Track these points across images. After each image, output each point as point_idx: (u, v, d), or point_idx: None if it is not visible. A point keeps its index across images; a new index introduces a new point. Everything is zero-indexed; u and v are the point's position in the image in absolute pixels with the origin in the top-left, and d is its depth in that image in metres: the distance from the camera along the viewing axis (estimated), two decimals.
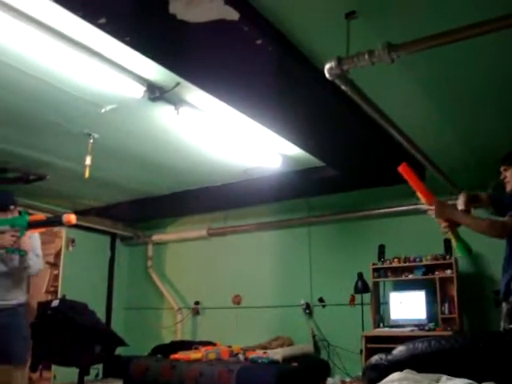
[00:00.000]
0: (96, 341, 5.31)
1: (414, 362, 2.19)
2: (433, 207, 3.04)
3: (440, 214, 3.01)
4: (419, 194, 3.13)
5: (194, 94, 4.00)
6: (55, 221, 3.66)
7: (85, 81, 3.81)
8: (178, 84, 3.83)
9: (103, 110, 4.30)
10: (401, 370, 2.07)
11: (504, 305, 3.02)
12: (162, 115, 4.44)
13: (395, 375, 1.86)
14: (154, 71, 3.67)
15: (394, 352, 2.35)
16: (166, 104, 4.15)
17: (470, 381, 1.75)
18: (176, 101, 4.15)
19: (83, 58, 3.41)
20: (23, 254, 3.60)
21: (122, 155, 5.47)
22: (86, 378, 5.27)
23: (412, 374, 1.88)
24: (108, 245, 8.27)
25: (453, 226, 3.04)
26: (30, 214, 3.55)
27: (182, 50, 3.10)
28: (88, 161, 4.90)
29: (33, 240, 3.75)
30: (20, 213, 3.60)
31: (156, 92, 3.94)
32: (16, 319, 3.70)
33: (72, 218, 3.35)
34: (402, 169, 3.02)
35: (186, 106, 4.23)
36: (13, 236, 3.47)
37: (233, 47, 3.08)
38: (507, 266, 3.15)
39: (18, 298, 3.74)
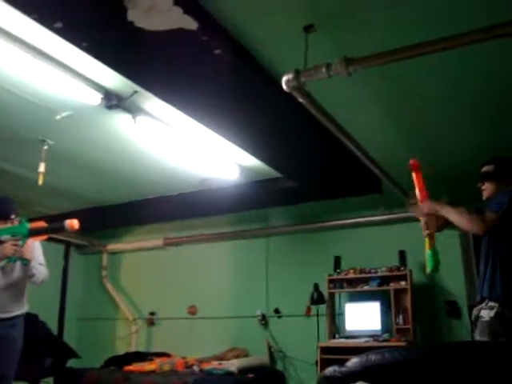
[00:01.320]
0: (47, 353, 5.18)
1: (367, 374, 2.19)
2: (424, 204, 3.18)
3: (429, 207, 3.17)
4: (416, 190, 3.23)
5: (151, 102, 3.96)
6: (57, 227, 3.53)
7: (40, 86, 3.73)
8: (135, 92, 3.79)
9: (58, 117, 4.21)
10: (354, 382, 2.07)
11: (484, 312, 3.05)
12: (119, 123, 4.39)
13: None
14: (112, 79, 3.63)
15: (348, 364, 2.35)
16: (123, 112, 4.11)
17: None
18: (133, 109, 4.11)
19: (38, 63, 3.33)
20: (26, 262, 3.53)
21: (77, 163, 5.37)
22: None
23: None
24: (62, 253, 8.06)
25: (433, 229, 3.21)
26: (30, 222, 3.44)
27: (140, 58, 3.07)
28: (42, 168, 4.77)
29: (34, 248, 3.65)
30: (20, 221, 3.50)
31: (113, 100, 3.89)
32: (12, 331, 3.65)
33: (75, 223, 3.24)
34: (413, 162, 3.14)
35: (143, 115, 4.19)
36: (14, 245, 3.39)
37: (191, 56, 3.06)
38: (490, 266, 3.14)
39: (17, 309, 3.69)
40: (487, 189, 3.35)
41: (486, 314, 3.00)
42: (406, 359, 2.28)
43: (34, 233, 3.38)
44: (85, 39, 2.88)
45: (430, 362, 2.19)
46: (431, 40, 2.67)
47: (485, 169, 3.41)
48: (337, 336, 5.96)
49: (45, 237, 3.61)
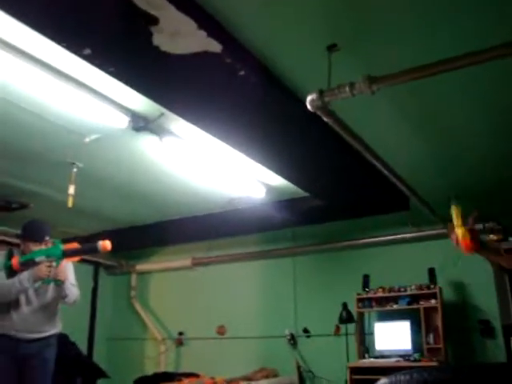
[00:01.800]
0: (77, 373, 5.21)
1: None
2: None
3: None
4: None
5: (177, 124, 4.02)
6: (91, 248, 3.62)
7: (69, 110, 3.82)
8: (161, 114, 3.85)
9: (87, 140, 4.30)
10: None
11: None
12: (146, 145, 4.46)
13: None
14: (138, 102, 3.70)
15: None
16: (150, 134, 4.17)
17: None
18: (160, 131, 4.17)
19: (67, 88, 3.42)
20: (59, 283, 3.56)
21: (105, 185, 5.47)
22: None
23: None
24: (91, 274, 8.16)
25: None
26: (64, 243, 3.50)
27: (166, 81, 3.11)
28: (71, 190, 4.87)
29: (67, 269, 3.68)
30: (54, 243, 3.56)
31: (140, 122, 3.95)
32: (45, 351, 3.71)
33: (107, 244, 3.30)
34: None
35: (169, 136, 4.24)
36: (48, 266, 3.44)
37: (216, 78, 3.11)
38: None
39: (51, 329, 3.75)
40: None
41: None
42: (436, 380, 2.25)
43: (68, 254, 3.45)
44: (112, 64, 2.94)
45: (459, 383, 2.15)
46: (455, 56, 2.66)
47: None
48: (366, 356, 5.88)
49: (78, 258, 3.67)
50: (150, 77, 3.12)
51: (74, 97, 3.55)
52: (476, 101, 3.74)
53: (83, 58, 2.83)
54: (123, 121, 3.88)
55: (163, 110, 3.68)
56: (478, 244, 2.78)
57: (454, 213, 2.79)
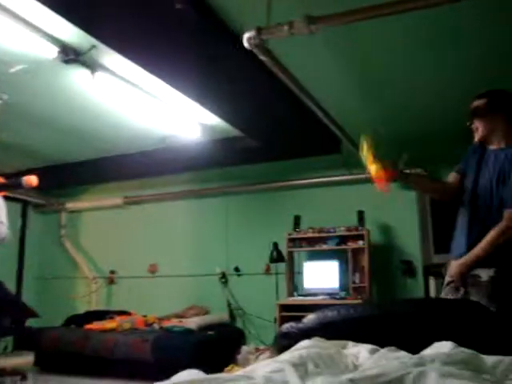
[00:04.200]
0: (5, 312, 5.12)
1: (323, 330, 2.24)
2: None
3: (462, 269, 2.72)
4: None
5: (111, 58, 3.86)
6: (15, 184, 3.43)
7: None
8: (93, 47, 3.68)
9: (13, 70, 4.08)
10: (310, 338, 2.12)
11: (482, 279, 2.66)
12: (78, 79, 4.27)
13: (304, 342, 1.90)
14: (69, 32, 3.51)
15: (305, 320, 2.41)
16: (82, 67, 3.99)
17: (375, 346, 1.82)
18: (92, 64, 3.99)
19: None
20: None
21: (33, 119, 5.24)
22: None
23: (320, 342, 1.93)
24: (19, 212, 7.94)
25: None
26: None
27: (98, 11, 2.98)
28: None
29: None
30: None
31: (70, 54, 3.76)
32: None
33: (33, 179, 3.14)
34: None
35: (102, 71, 4.08)
36: None
37: (151, 11, 3.00)
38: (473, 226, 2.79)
39: None
40: (479, 128, 2.83)
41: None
42: (361, 316, 2.35)
43: None
44: None
45: (382, 319, 2.26)
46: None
47: (475, 103, 2.86)
48: (295, 294, 6.07)
49: (1, 193, 3.52)
50: (81, 6, 2.97)
51: None
52: (418, 50, 3.79)
53: None
54: (52, 51, 3.69)
55: (95, 41, 3.52)
56: (394, 172, 2.84)
57: (365, 146, 2.82)
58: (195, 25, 3.18)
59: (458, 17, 3.29)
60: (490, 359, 1.52)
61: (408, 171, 3.26)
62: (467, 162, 2.94)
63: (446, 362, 1.27)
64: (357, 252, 5.90)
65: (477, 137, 2.85)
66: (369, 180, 3.00)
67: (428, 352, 1.62)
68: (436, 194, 3.23)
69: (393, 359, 1.49)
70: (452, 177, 3.01)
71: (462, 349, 1.51)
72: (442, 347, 1.58)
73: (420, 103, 4.86)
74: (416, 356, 1.50)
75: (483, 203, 2.74)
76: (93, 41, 3.51)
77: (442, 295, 2.93)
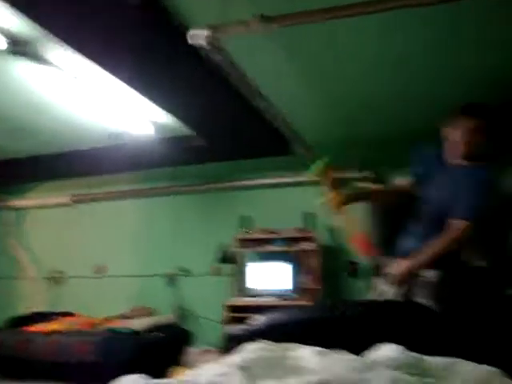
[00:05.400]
0: None
1: (272, 333, 2.24)
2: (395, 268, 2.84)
3: (403, 269, 2.79)
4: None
5: (56, 51, 3.74)
6: None
7: None
8: (39, 38, 3.55)
9: None
10: (259, 340, 2.11)
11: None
12: (22, 71, 4.12)
13: (251, 346, 1.89)
14: (15, 22, 3.38)
15: (253, 322, 2.40)
16: (26, 59, 3.85)
17: (322, 349, 1.82)
18: (37, 57, 3.85)
19: None
20: None
21: None
22: None
23: (267, 344, 1.92)
24: None
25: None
26: None
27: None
28: None
29: None
30: None
31: (17, 45, 3.63)
32: None
33: None
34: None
35: (47, 63, 3.94)
36: None
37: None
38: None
39: None
40: (469, 143, 2.81)
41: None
42: (310, 318, 2.35)
43: None
44: None
45: (331, 321, 2.27)
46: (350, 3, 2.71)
47: (480, 121, 2.82)
48: (243, 295, 6.05)
49: None
50: None
51: None
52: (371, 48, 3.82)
53: None
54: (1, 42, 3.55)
55: (39, 33, 3.40)
56: (346, 202, 3.01)
57: (322, 170, 3.04)
58: (142, 17, 3.12)
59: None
60: (434, 361, 1.53)
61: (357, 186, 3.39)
62: (427, 169, 2.99)
63: (393, 366, 1.27)
64: (306, 254, 5.93)
65: (463, 151, 2.84)
66: (317, 182, 3.11)
67: (375, 355, 1.63)
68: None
69: (340, 362, 1.49)
70: (404, 182, 3.06)
71: (408, 353, 1.52)
72: (389, 350, 1.59)
73: (377, 104, 4.92)
74: (363, 359, 1.51)
75: (439, 215, 2.79)
76: (39, 32, 3.38)
77: (379, 292, 2.99)
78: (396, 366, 1.28)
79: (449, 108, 2.89)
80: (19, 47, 3.66)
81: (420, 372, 1.30)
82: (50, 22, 3.19)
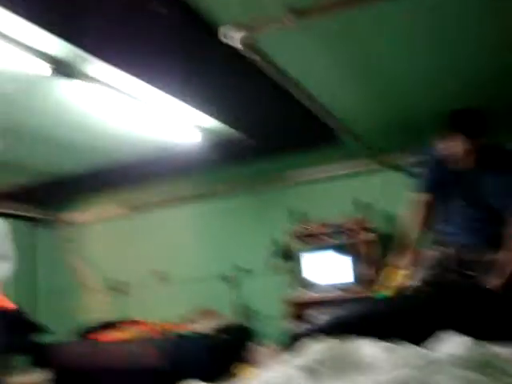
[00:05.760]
0: (16, 329, 5.09)
1: (335, 329, 2.21)
2: None
3: None
4: None
5: (95, 67, 3.76)
6: None
7: None
8: (82, 58, 3.61)
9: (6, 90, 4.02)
10: (323, 337, 2.09)
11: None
12: (66, 91, 4.17)
13: (316, 345, 1.88)
14: (55, 45, 3.44)
15: (315, 320, 2.38)
16: (72, 80, 3.90)
17: (387, 344, 1.79)
18: (78, 75, 3.89)
19: None
20: None
21: (27, 135, 5.17)
22: None
23: (331, 343, 1.90)
24: (25, 229, 7.92)
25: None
26: None
27: (77, 18, 2.94)
28: None
29: None
30: None
31: (62, 68, 3.70)
32: None
33: None
34: None
35: (89, 81, 3.96)
36: None
37: (137, 17, 2.96)
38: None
39: None
40: (461, 145, 3.07)
41: None
42: (373, 312, 2.32)
43: None
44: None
45: (395, 314, 2.23)
46: None
47: (468, 120, 3.13)
48: (305, 290, 6.02)
49: None
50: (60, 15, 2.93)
51: None
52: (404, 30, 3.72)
53: None
54: (45, 67, 3.60)
55: (78, 52, 3.45)
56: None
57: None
58: (173, 23, 3.14)
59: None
60: (504, 352, 1.47)
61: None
62: (437, 177, 3.30)
63: (464, 365, 1.22)
64: (365, 244, 5.83)
65: (468, 160, 3.07)
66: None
67: (443, 350, 1.56)
68: None
69: (408, 359, 1.45)
70: (423, 197, 3.37)
71: (477, 347, 1.46)
72: (458, 346, 1.52)
73: (415, 91, 4.80)
74: (431, 356, 1.46)
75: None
76: (76, 51, 3.43)
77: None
78: (467, 365, 1.23)
79: None
80: (64, 69, 3.72)
81: (494, 371, 1.24)
82: (97, 50, 3.26)
